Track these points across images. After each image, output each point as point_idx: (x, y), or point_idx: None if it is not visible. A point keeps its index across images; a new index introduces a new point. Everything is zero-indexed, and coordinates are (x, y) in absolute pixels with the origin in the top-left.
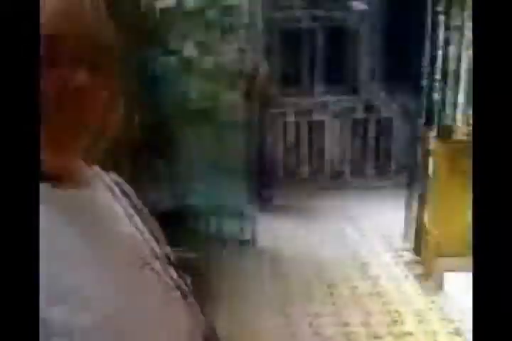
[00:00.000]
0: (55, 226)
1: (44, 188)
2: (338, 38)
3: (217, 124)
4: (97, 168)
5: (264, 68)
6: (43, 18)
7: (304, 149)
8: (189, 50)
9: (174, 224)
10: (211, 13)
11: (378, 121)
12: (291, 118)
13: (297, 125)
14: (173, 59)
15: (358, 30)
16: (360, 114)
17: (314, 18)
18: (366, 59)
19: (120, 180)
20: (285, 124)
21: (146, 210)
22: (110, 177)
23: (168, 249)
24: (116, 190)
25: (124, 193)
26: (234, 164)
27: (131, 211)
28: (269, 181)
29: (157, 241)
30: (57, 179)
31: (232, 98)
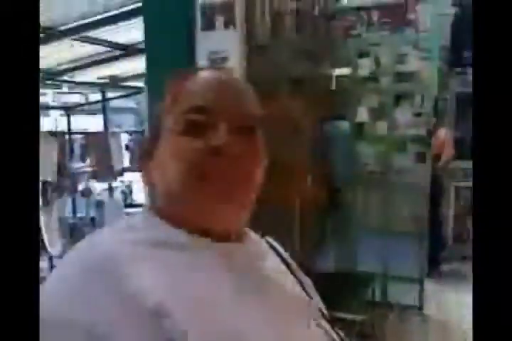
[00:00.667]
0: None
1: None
2: None
3: (388, 187)
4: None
5: (442, 132)
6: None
7: None
8: (362, 115)
9: (338, 286)
10: (385, 80)
11: None
12: (463, 184)
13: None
14: (345, 124)
15: None
16: None
17: None
18: None
19: (270, 239)
20: (457, 189)
21: (299, 269)
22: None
23: (323, 306)
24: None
25: (276, 250)
26: (403, 228)
27: (285, 268)
28: (439, 245)
29: (312, 298)
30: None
31: (405, 161)
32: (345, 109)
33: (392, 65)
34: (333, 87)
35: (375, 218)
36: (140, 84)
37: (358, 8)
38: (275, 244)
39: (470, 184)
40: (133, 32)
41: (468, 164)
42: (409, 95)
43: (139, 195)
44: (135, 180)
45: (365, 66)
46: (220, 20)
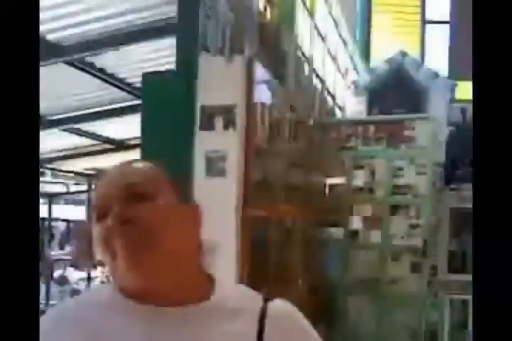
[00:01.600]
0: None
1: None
2: None
3: (379, 297)
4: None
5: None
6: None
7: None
8: (356, 223)
9: None
10: (381, 191)
11: None
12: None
13: (464, 303)
14: (339, 231)
15: None
16: None
17: None
18: None
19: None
20: (451, 301)
21: None
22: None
23: None
24: None
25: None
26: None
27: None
28: None
29: None
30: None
31: (399, 271)
32: (340, 217)
33: (388, 178)
34: (328, 196)
35: (368, 327)
36: None
37: (354, 122)
38: (280, 314)
39: (466, 297)
40: (125, 127)
41: (463, 277)
42: (405, 206)
43: None
44: None
45: (360, 177)
46: (219, 121)
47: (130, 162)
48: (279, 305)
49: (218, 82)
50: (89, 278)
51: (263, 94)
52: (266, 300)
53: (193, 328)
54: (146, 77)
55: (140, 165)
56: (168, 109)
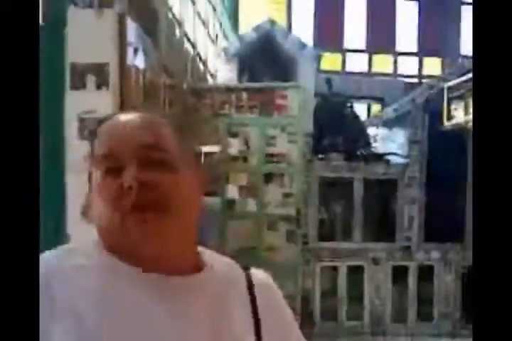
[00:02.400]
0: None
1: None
2: (377, 188)
3: (257, 264)
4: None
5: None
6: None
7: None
8: (232, 192)
9: None
10: (254, 160)
11: (419, 268)
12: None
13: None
14: (215, 200)
15: (396, 181)
16: (399, 261)
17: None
18: (406, 207)
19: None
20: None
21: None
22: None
23: None
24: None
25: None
26: None
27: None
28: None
29: None
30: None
31: (274, 239)
32: (216, 186)
33: (262, 146)
34: (203, 164)
35: None
36: None
37: (228, 89)
38: (263, 282)
39: (335, 264)
40: None
41: (332, 244)
42: (279, 175)
43: None
44: None
45: (235, 145)
46: (91, 81)
47: (138, 113)
48: (259, 273)
49: (89, 37)
50: None
51: (136, 53)
52: (244, 268)
53: (196, 297)
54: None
55: (151, 119)
56: None
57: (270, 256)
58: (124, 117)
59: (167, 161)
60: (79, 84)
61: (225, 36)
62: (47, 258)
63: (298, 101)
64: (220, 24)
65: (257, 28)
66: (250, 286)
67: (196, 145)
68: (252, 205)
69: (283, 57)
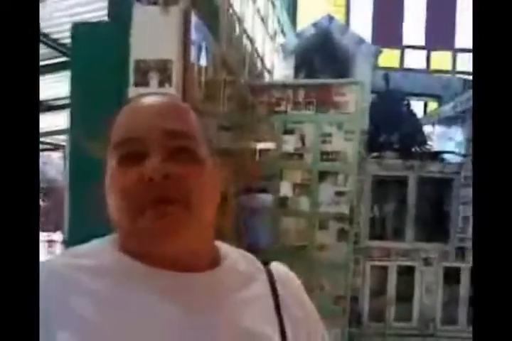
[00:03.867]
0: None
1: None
2: (431, 187)
3: (308, 263)
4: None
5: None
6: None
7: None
8: (285, 189)
9: None
10: (309, 157)
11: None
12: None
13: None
14: (268, 197)
15: (452, 181)
16: (452, 262)
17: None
18: (461, 208)
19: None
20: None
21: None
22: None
23: None
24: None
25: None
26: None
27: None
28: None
29: None
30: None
31: (326, 239)
32: (270, 184)
33: (317, 144)
34: (258, 161)
35: None
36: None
37: (285, 85)
38: (285, 277)
39: (385, 263)
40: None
41: (383, 243)
42: (333, 173)
43: None
44: None
45: (290, 142)
46: (154, 78)
47: (163, 97)
48: (279, 267)
49: (153, 34)
50: None
51: (200, 50)
52: (264, 263)
53: (214, 294)
54: (76, 27)
55: (177, 103)
56: (100, 63)
57: (321, 255)
58: (148, 100)
59: (193, 151)
60: (142, 81)
61: (283, 32)
62: (47, 262)
63: (356, 98)
64: (279, 20)
65: (315, 24)
66: (272, 281)
67: (252, 142)
68: (304, 203)
69: (341, 53)
